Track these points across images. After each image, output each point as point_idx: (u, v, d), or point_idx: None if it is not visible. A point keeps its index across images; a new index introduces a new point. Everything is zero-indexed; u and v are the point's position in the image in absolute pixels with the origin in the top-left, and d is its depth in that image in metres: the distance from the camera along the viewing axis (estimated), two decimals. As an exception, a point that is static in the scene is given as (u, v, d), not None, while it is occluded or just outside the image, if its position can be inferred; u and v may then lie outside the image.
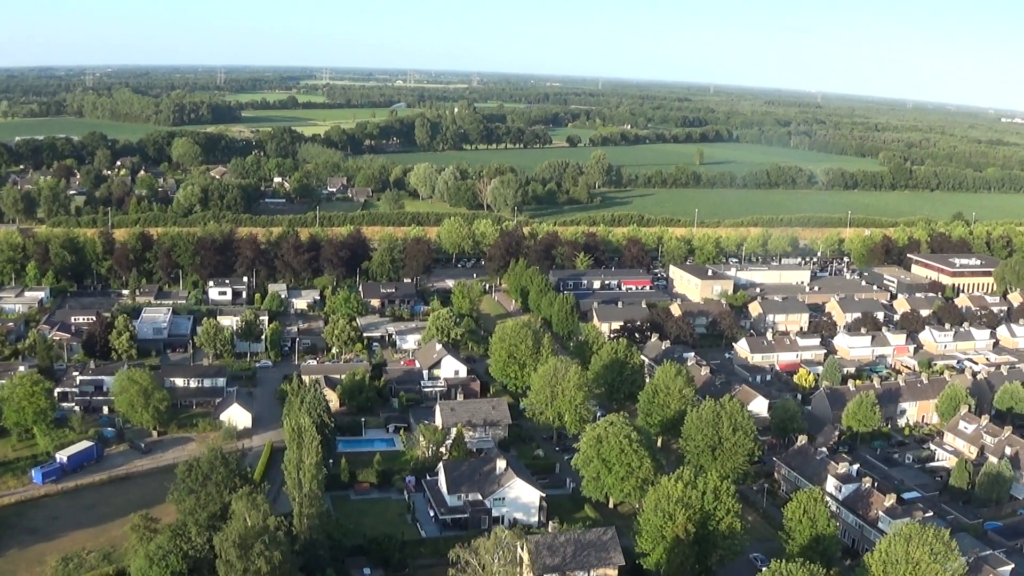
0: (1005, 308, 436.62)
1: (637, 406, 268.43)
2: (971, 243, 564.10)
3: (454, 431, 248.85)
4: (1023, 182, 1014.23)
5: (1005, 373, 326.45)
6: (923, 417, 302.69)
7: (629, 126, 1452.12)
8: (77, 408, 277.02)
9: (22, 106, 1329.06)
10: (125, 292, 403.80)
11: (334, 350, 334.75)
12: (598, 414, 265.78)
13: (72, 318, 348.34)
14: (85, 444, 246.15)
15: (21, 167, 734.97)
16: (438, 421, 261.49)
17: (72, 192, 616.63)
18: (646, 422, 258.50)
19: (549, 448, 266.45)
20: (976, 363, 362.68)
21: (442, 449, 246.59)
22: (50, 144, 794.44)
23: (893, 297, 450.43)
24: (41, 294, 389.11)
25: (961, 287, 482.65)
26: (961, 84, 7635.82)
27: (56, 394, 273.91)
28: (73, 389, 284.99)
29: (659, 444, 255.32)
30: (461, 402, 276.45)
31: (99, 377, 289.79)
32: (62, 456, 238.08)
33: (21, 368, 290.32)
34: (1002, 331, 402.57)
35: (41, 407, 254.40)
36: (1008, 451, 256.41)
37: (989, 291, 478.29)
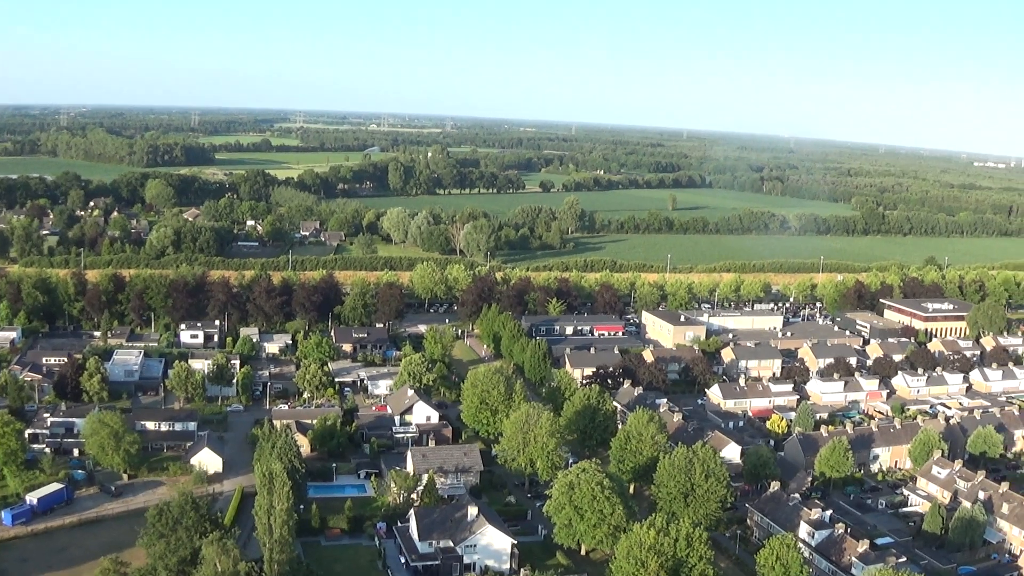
0: (978, 352, 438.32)
1: (609, 452, 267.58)
2: (944, 287, 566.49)
3: (425, 477, 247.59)
4: (995, 226, 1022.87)
5: (978, 417, 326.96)
6: (896, 462, 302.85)
7: (602, 171, 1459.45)
8: (48, 450, 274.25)
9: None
10: (97, 334, 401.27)
11: (306, 395, 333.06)
12: (570, 461, 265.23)
13: (44, 359, 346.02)
14: (55, 486, 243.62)
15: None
16: (409, 467, 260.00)
17: (45, 232, 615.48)
18: (618, 469, 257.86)
19: (521, 495, 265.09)
20: (949, 408, 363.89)
21: (413, 495, 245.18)
22: (23, 183, 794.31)
23: (866, 342, 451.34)
24: (13, 334, 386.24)
25: (934, 332, 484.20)
26: (934, 128, 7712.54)
27: (27, 435, 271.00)
28: (44, 431, 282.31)
29: (631, 491, 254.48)
30: (433, 448, 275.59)
31: (70, 419, 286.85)
32: (32, 498, 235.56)
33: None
34: (975, 375, 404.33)
35: (11, 448, 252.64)
36: (981, 495, 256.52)
37: (962, 335, 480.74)
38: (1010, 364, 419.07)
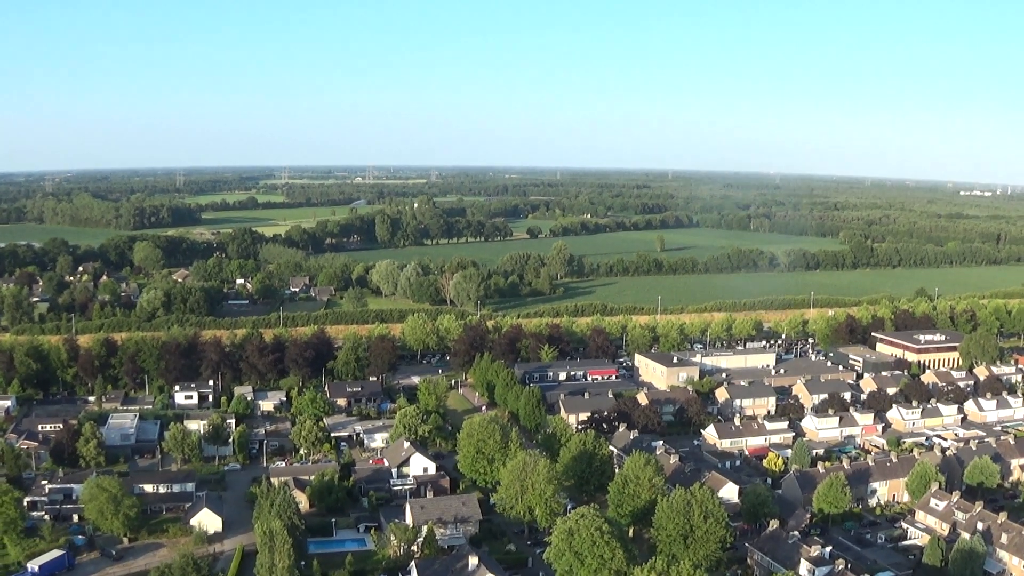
0: (971, 382, 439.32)
1: (607, 497, 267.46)
2: (935, 319, 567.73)
3: (425, 529, 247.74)
4: (984, 254, 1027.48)
5: (974, 448, 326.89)
6: (894, 496, 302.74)
7: (589, 215, 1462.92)
8: (47, 517, 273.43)
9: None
10: (91, 398, 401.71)
11: (302, 451, 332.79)
12: (568, 507, 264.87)
13: (39, 426, 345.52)
14: (56, 553, 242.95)
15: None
16: (408, 519, 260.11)
17: (35, 299, 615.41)
18: (617, 513, 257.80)
19: (521, 543, 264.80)
20: (945, 439, 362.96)
21: (414, 547, 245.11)
22: (11, 251, 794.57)
23: (859, 376, 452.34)
24: (7, 403, 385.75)
25: (927, 363, 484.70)
26: (920, 159, 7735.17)
27: (25, 503, 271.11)
28: (42, 498, 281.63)
29: (631, 534, 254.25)
30: (431, 499, 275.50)
31: (68, 485, 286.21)
32: (33, 566, 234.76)
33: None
34: (969, 406, 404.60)
35: (10, 517, 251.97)
36: (980, 526, 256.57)
37: (955, 366, 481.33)
38: (1004, 393, 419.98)
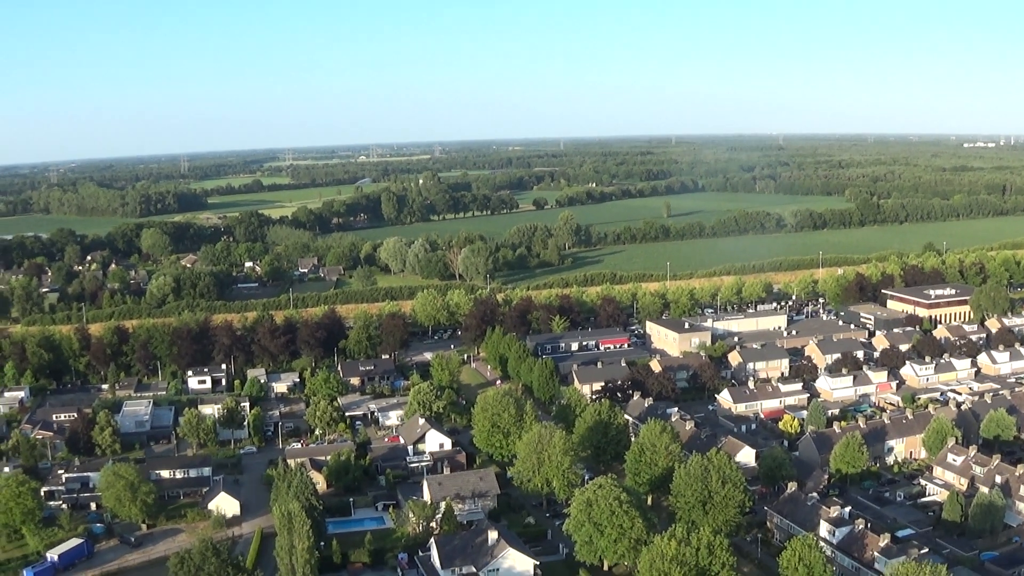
0: (983, 335, 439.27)
1: (624, 466, 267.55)
2: (944, 273, 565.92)
3: (443, 505, 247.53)
4: (990, 206, 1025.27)
5: (989, 401, 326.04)
6: (911, 453, 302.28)
7: (594, 184, 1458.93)
8: (64, 506, 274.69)
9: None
10: (104, 387, 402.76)
11: (317, 432, 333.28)
12: (586, 477, 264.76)
13: (54, 416, 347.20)
14: (75, 541, 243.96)
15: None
16: (426, 496, 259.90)
17: (45, 290, 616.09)
18: (634, 481, 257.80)
19: (540, 515, 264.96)
20: (959, 394, 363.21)
21: (432, 524, 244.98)
22: (19, 243, 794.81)
23: (871, 335, 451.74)
24: (21, 394, 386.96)
25: (938, 318, 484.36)
26: (921, 113, 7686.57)
27: (43, 493, 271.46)
28: (59, 487, 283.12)
29: (649, 502, 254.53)
30: (448, 475, 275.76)
31: (85, 474, 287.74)
32: (53, 555, 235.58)
33: (6, 469, 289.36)
34: (983, 359, 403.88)
35: (28, 507, 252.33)
36: (998, 479, 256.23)
37: (966, 320, 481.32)
38: (1016, 345, 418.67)
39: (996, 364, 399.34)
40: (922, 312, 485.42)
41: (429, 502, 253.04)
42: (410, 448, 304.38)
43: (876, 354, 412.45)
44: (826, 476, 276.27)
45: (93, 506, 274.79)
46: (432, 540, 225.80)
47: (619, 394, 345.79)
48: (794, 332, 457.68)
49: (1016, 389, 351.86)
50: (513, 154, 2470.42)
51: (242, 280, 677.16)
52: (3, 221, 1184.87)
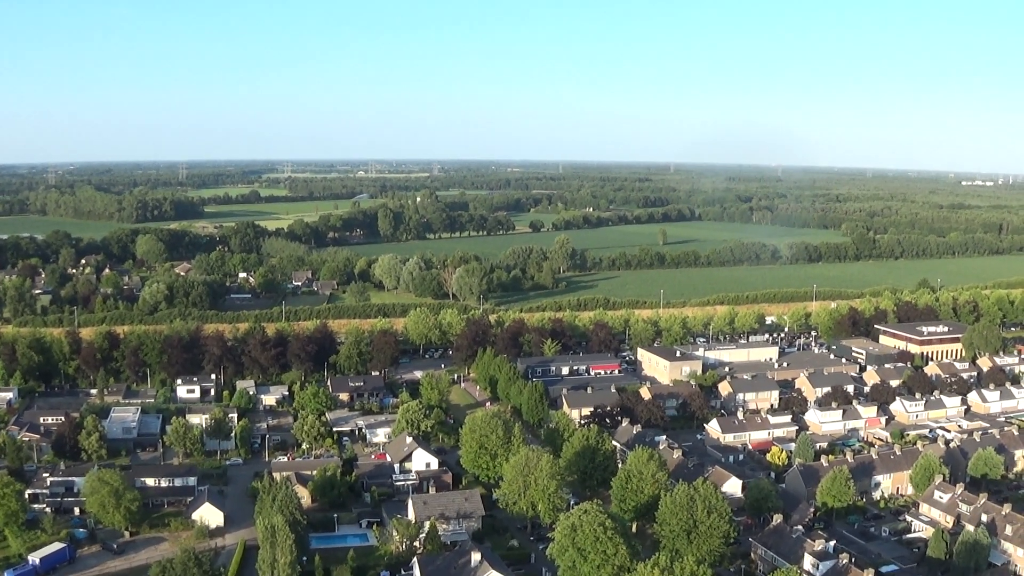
0: (975, 373, 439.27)
1: (611, 492, 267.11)
2: (938, 310, 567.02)
3: (427, 524, 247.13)
4: (986, 245, 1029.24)
5: (978, 439, 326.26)
6: (898, 488, 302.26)
7: (591, 209, 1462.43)
8: (48, 509, 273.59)
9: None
10: (93, 392, 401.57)
11: (304, 446, 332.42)
12: (572, 502, 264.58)
13: (41, 419, 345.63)
14: (57, 546, 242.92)
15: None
16: (411, 515, 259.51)
17: (37, 291, 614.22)
18: (620, 508, 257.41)
19: (524, 538, 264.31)
20: (948, 431, 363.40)
21: (416, 543, 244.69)
22: (14, 243, 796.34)
23: (862, 369, 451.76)
24: (9, 395, 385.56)
25: (930, 355, 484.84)
26: (921, 149, 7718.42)
27: (27, 496, 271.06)
28: (44, 490, 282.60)
29: (634, 530, 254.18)
30: (433, 495, 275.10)
31: (70, 478, 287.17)
32: (34, 558, 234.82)
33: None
34: (973, 397, 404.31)
35: (12, 509, 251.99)
36: (984, 518, 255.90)
37: (958, 357, 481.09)
38: (1007, 384, 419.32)
39: (986, 403, 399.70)
40: (914, 348, 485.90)
41: (413, 521, 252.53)
42: (396, 466, 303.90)
43: (866, 389, 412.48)
44: (812, 509, 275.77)
45: (77, 511, 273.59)
46: (415, 559, 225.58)
47: (608, 420, 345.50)
48: (785, 364, 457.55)
49: (1005, 428, 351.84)
50: (512, 175, 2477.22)
51: (235, 291, 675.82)
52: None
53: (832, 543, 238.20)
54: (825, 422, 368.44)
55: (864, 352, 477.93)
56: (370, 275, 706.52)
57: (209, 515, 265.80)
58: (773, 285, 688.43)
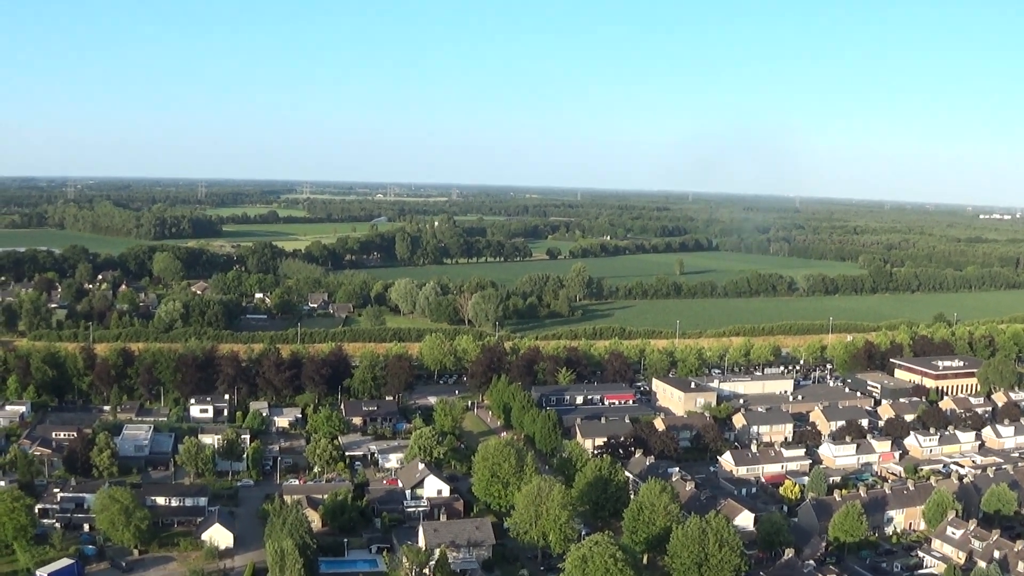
0: (989, 409, 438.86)
1: (622, 523, 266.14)
2: (953, 344, 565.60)
3: (438, 552, 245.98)
4: (1003, 279, 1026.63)
5: (991, 475, 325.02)
6: (910, 524, 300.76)
7: (608, 237, 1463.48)
8: (58, 525, 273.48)
9: (4, 216, 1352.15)
10: (106, 408, 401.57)
11: (316, 469, 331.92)
12: (583, 532, 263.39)
13: (53, 433, 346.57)
14: (66, 562, 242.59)
15: (2, 279, 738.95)
16: (421, 542, 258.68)
17: (53, 305, 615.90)
18: (631, 540, 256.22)
19: (534, 568, 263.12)
20: (962, 466, 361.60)
21: (426, 570, 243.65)
22: (31, 256, 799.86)
23: (877, 403, 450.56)
24: (22, 408, 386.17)
25: (945, 389, 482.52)
26: (939, 182, 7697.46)
27: (37, 511, 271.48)
28: (54, 506, 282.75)
29: (645, 561, 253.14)
30: (444, 522, 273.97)
31: (80, 494, 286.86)
32: (43, 573, 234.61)
33: (1, 483, 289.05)
34: (987, 432, 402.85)
35: (21, 523, 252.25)
36: (996, 555, 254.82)
37: (973, 392, 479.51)
38: (1022, 420, 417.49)
39: (1000, 438, 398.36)
40: (929, 383, 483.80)
41: (424, 548, 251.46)
42: (408, 492, 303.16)
43: (881, 423, 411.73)
44: (824, 544, 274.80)
45: (86, 527, 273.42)
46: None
47: (621, 450, 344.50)
48: (800, 397, 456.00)
49: (1020, 464, 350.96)
50: (530, 202, 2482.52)
51: (251, 311, 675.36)
52: (18, 233, 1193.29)
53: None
54: (839, 456, 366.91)
55: (879, 386, 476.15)
56: (386, 299, 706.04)
57: (219, 536, 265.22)
58: (789, 317, 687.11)
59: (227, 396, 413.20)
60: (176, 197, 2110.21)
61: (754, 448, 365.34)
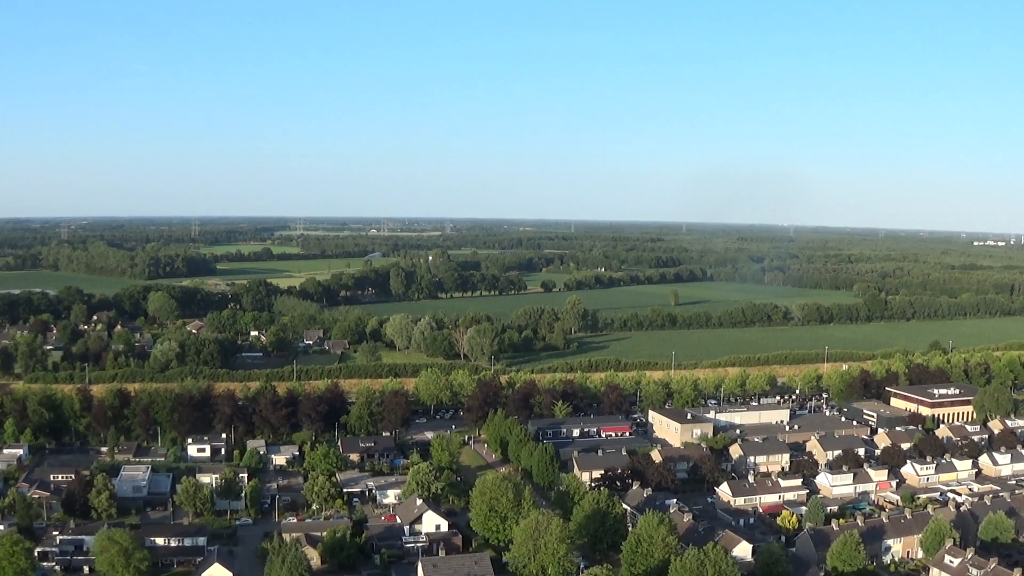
0: (986, 436, 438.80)
1: (621, 556, 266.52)
2: (949, 372, 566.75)
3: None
4: (998, 306, 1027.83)
5: (989, 503, 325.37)
6: (908, 552, 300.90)
7: (603, 269, 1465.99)
8: (57, 568, 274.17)
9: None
10: (104, 449, 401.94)
11: (314, 506, 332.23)
12: (582, 566, 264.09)
13: (51, 476, 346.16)
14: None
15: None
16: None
17: (49, 347, 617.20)
18: (630, 572, 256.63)
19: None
20: (959, 494, 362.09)
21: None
22: (26, 298, 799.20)
23: (873, 432, 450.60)
24: (19, 451, 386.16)
25: (941, 417, 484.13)
26: (933, 209, 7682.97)
27: (36, 554, 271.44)
28: (53, 549, 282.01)
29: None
30: (443, 558, 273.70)
31: (79, 536, 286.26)
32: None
33: (0, 527, 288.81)
34: (984, 460, 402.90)
35: (21, 567, 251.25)
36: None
37: (969, 420, 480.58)
38: (1018, 447, 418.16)
39: (997, 466, 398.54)
40: (925, 411, 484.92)
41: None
42: (406, 528, 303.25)
43: (877, 452, 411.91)
44: (822, 574, 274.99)
45: (86, 570, 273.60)
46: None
47: (618, 483, 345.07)
48: (796, 427, 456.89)
49: (1017, 492, 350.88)
50: (524, 234, 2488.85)
51: (247, 349, 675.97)
52: (12, 275, 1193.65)
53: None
54: (836, 485, 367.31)
55: (875, 415, 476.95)
56: (382, 335, 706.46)
57: (218, 575, 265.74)
58: (785, 347, 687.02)
59: (224, 435, 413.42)
60: (170, 236, 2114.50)
61: (751, 479, 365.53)
